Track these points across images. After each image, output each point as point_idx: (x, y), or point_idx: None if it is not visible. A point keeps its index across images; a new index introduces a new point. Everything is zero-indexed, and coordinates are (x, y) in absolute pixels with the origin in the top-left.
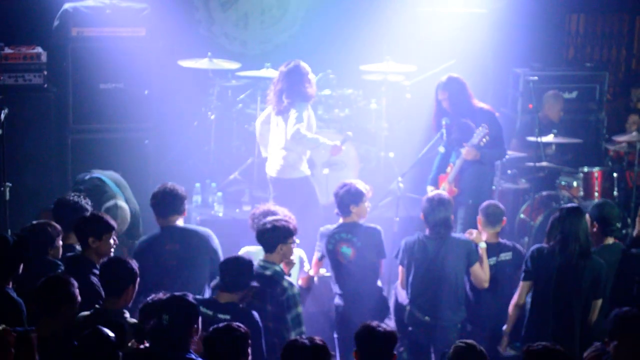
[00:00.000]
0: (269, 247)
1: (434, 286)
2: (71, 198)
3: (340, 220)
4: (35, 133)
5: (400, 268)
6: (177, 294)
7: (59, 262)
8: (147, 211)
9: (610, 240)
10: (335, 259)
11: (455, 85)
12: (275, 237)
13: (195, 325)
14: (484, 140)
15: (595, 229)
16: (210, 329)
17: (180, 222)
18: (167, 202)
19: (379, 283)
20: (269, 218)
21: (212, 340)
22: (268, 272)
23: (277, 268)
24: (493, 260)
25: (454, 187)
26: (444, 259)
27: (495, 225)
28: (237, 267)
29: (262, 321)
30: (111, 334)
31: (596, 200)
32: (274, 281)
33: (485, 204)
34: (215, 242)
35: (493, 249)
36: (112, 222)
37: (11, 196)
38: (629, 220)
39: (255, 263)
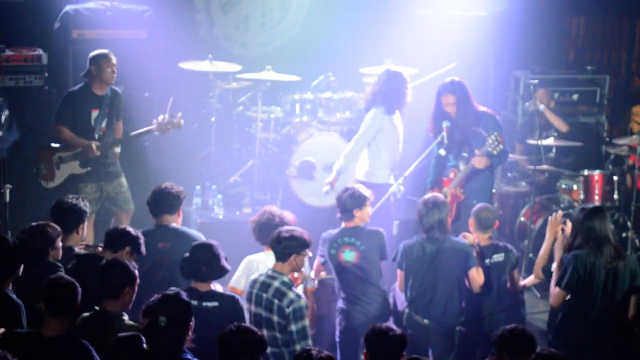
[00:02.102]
0: (281, 256)
1: (433, 289)
2: (70, 200)
3: (343, 225)
4: (36, 135)
5: (398, 271)
6: (169, 293)
7: (59, 264)
8: (146, 212)
9: None
10: (338, 264)
11: (461, 89)
12: (290, 246)
13: (191, 323)
14: (498, 148)
15: None
16: (228, 328)
17: (175, 222)
18: (158, 201)
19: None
20: (286, 227)
21: (227, 340)
22: (276, 283)
23: (286, 279)
24: (487, 262)
25: (460, 192)
26: (442, 262)
27: (487, 228)
28: (211, 255)
29: (270, 332)
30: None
31: (581, 205)
32: (282, 293)
33: (477, 207)
34: None
35: (486, 250)
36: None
37: (11, 198)
38: (629, 224)
39: (264, 272)
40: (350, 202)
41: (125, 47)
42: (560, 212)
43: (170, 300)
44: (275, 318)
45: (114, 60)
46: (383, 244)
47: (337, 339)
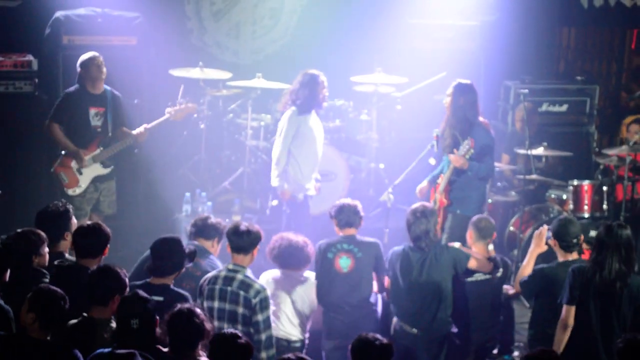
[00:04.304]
0: (244, 249)
1: (421, 298)
2: (52, 208)
3: (341, 233)
4: (26, 140)
5: (386, 278)
6: (131, 296)
7: (45, 271)
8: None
9: (571, 257)
10: (332, 269)
11: (460, 92)
12: (253, 239)
13: (158, 318)
14: (469, 153)
15: (554, 245)
16: (217, 333)
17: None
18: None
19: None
20: (242, 222)
21: (215, 346)
22: (239, 276)
23: (248, 271)
24: (481, 275)
25: (444, 198)
26: (429, 270)
27: (485, 239)
28: (167, 251)
29: (232, 325)
30: None
31: (560, 216)
32: (247, 284)
33: (476, 217)
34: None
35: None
36: (109, 230)
37: (0, 203)
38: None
39: (222, 267)
40: (359, 210)
41: (115, 53)
42: (545, 227)
43: (136, 302)
44: (240, 310)
45: (99, 58)
46: (380, 255)
47: (324, 348)
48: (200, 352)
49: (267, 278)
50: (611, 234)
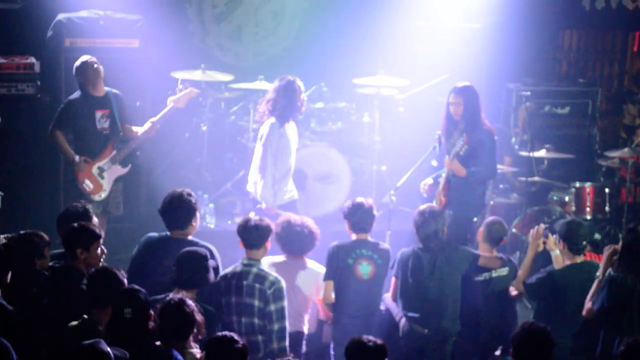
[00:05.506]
0: (256, 244)
1: (432, 298)
2: (77, 209)
3: (355, 237)
4: (28, 143)
5: (393, 279)
6: (127, 287)
7: (47, 273)
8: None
9: (579, 259)
10: (351, 275)
11: (471, 96)
12: (262, 233)
13: (150, 312)
14: (463, 149)
15: (562, 247)
16: (213, 336)
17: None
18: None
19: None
20: (252, 217)
21: (212, 349)
22: (254, 269)
23: (262, 265)
24: (489, 274)
25: (443, 197)
26: (439, 271)
27: (495, 242)
28: (193, 264)
29: (249, 318)
30: (108, 350)
31: (567, 218)
32: (262, 277)
33: (491, 219)
34: (216, 257)
35: (490, 263)
36: (99, 231)
37: (3, 205)
38: (620, 236)
39: (238, 263)
40: (374, 213)
41: (117, 56)
42: (542, 226)
43: (132, 294)
44: (256, 302)
45: (92, 59)
46: (388, 261)
47: (332, 352)
48: (192, 344)
49: (269, 262)
50: (633, 243)
